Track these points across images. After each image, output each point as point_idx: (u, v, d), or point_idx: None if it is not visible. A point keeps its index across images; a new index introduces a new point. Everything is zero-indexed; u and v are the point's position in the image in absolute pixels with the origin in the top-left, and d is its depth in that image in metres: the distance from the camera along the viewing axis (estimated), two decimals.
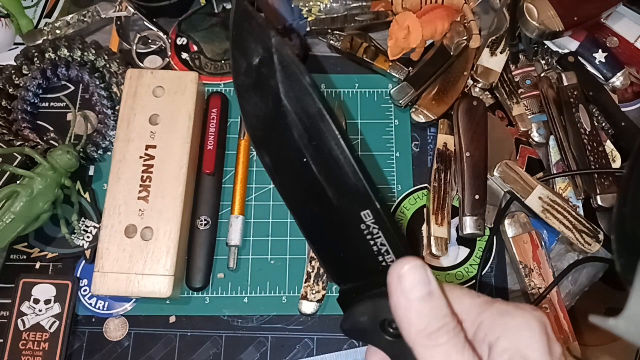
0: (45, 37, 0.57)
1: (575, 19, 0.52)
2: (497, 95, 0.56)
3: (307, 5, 0.58)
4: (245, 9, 0.30)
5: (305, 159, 0.29)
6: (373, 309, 0.27)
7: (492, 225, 0.51)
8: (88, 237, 0.50)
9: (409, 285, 0.23)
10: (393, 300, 0.24)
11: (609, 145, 0.53)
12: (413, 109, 0.54)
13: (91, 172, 0.53)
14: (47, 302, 0.48)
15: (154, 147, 0.49)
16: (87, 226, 0.51)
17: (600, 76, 0.56)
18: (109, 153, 0.53)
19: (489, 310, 0.24)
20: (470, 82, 0.56)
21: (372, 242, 0.29)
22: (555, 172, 0.53)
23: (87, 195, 0.52)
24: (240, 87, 0.30)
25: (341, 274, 0.30)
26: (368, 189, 0.28)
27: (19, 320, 0.47)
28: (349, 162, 0.28)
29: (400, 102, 0.54)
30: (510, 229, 0.50)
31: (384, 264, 0.28)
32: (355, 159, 0.28)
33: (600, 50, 0.56)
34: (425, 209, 0.52)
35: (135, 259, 0.45)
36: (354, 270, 0.29)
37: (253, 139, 0.30)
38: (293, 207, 0.31)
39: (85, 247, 0.50)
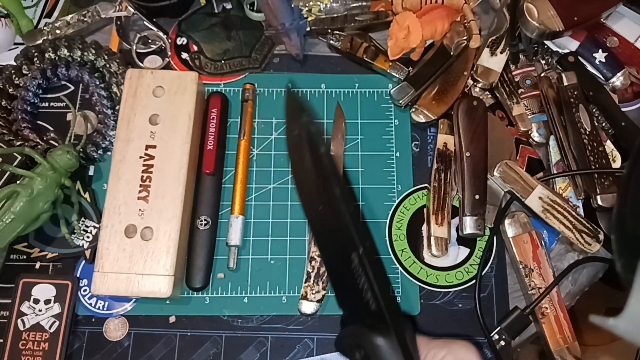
0: (45, 37, 0.57)
1: (576, 19, 0.52)
2: (497, 95, 0.56)
3: (307, 5, 0.58)
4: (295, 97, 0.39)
5: (320, 207, 0.36)
6: (351, 334, 0.35)
7: (492, 225, 0.51)
8: (88, 237, 0.50)
9: None
10: None
11: (609, 145, 0.53)
12: (413, 109, 0.54)
13: (91, 172, 0.53)
14: (47, 302, 0.48)
15: (154, 147, 0.49)
16: (87, 226, 0.51)
17: (601, 76, 0.56)
18: (109, 153, 0.53)
19: (435, 340, 0.37)
20: (470, 82, 0.56)
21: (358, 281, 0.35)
22: (555, 172, 0.53)
23: (87, 195, 0.52)
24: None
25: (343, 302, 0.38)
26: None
27: (19, 320, 0.47)
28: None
29: (401, 102, 0.54)
30: (510, 229, 0.50)
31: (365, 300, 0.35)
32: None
33: (600, 50, 0.56)
34: (425, 209, 0.52)
35: (135, 259, 0.45)
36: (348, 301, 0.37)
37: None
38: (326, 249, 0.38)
39: (85, 247, 0.50)
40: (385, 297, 0.34)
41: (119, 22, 0.58)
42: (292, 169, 0.42)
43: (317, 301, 0.48)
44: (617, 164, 0.52)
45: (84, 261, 0.50)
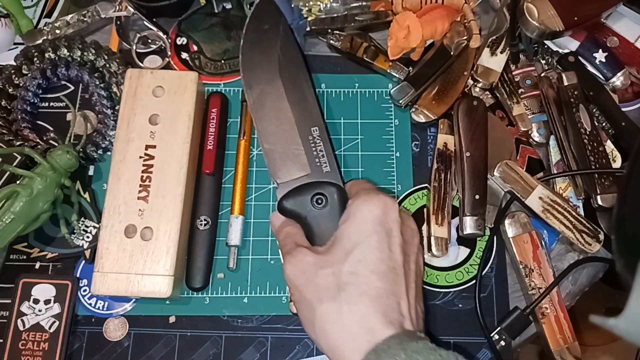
0: (45, 37, 0.57)
1: (576, 18, 0.52)
2: (497, 95, 0.56)
3: (307, 5, 0.58)
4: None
5: (281, 89, 0.47)
6: (310, 189, 0.44)
7: (493, 225, 0.51)
8: (88, 237, 0.50)
9: (274, 220, 0.46)
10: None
11: (609, 145, 0.53)
12: (413, 109, 0.54)
13: (91, 172, 0.53)
14: (47, 302, 0.48)
15: (154, 147, 0.49)
16: (87, 226, 0.51)
17: (601, 76, 0.56)
18: (108, 153, 0.53)
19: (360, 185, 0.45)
20: (470, 82, 0.56)
21: (313, 149, 0.46)
22: (555, 172, 0.53)
23: (87, 195, 0.52)
24: (249, 40, 0.49)
25: (286, 169, 0.45)
26: (320, 114, 0.48)
27: (19, 321, 0.47)
28: (311, 94, 0.48)
29: (401, 102, 0.54)
30: (510, 229, 0.50)
31: (318, 164, 0.45)
32: (314, 93, 0.49)
33: (600, 50, 0.56)
34: (425, 209, 0.52)
35: (135, 259, 0.45)
36: (296, 166, 0.45)
37: (246, 77, 0.48)
38: (260, 117, 0.47)
39: (85, 247, 0.50)
40: (335, 162, 0.46)
41: (119, 22, 0.58)
42: (249, 62, 0.48)
43: None
44: (617, 164, 0.52)
45: (83, 261, 0.50)
